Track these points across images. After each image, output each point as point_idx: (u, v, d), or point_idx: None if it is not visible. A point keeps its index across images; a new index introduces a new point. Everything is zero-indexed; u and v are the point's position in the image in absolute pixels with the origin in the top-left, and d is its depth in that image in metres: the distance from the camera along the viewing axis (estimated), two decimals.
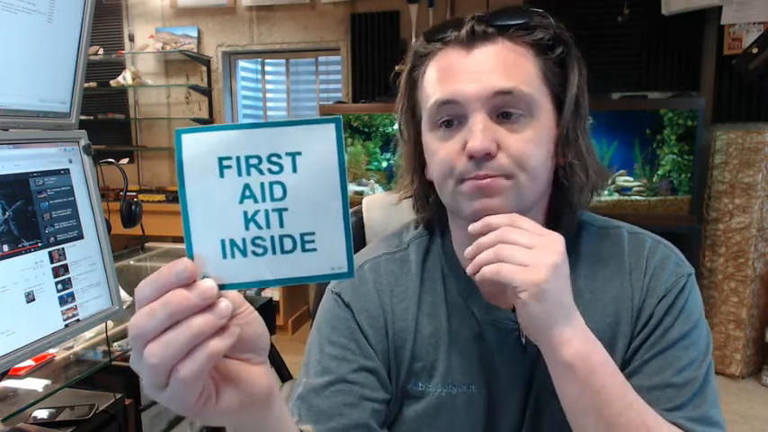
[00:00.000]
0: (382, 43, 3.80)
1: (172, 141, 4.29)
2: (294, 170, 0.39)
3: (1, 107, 0.91)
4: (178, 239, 3.55)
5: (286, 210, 0.40)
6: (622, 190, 3.16)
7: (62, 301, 0.97)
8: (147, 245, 2.56)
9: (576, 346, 0.58)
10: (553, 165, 0.67)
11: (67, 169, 1.02)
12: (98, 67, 4.13)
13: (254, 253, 0.39)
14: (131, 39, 4.24)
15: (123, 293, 1.39)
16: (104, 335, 1.28)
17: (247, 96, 4.37)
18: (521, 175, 0.62)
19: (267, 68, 4.35)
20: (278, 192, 0.39)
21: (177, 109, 4.28)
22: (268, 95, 4.38)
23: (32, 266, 0.92)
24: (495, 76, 0.61)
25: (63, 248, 0.98)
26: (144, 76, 4.19)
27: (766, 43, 2.97)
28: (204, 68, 4.17)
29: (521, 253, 0.57)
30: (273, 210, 0.40)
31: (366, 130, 3.50)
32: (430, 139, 0.67)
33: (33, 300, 0.92)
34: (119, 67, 4.18)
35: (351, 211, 1.03)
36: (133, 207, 1.82)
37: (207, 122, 4.17)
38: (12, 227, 0.90)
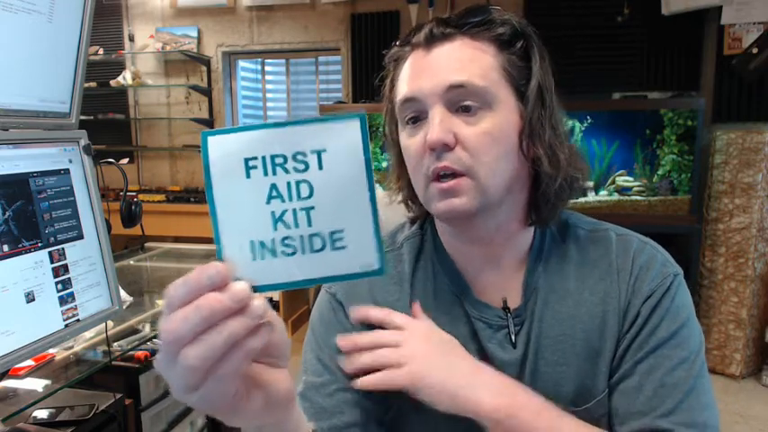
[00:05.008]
0: (382, 43, 3.79)
1: (172, 141, 4.28)
2: (320, 168, 0.39)
3: (1, 107, 0.91)
4: (178, 239, 3.55)
5: (313, 208, 0.39)
6: (622, 190, 3.16)
7: (62, 301, 0.97)
8: (147, 245, 2.56)
9: (487, 404, 0.62)
10: (521, 158, 0.67)
11: (67, 169, 1.02)
12: (98, 67, 4.13)
13: (284, 253, 0.39)
14: (131, 39, 4.25)
15: (123, 293, 1.39)
16: (104, 335, 1.28)
17: (247, 96, 4.37)
18: (480, 170, 0.63)
19: (267, 68, 4.35)
20: (305, 190, 0.39)
21: (177, 109, 4.28)
22: (268, 95, 4.38)
23: (32, 266, 0.92)
24: (449, 71, 0.64)
25: (63, 248, 0.98)
26: (144, 76, 4.19)
27: (766, 43, 2.96)
28: (204, 68, 4.17)
29: (394, 354, 0.65)
30: (301, 209, 0.39)
31: None
32: (402, 137, 0.70)
33: (33, 300, 0.92)
34: (119, 67, 4.19)
35: None
36: (133, 207, 1.82)
37: (207, 122, 4.17)
38: (12, 227, 0.90)
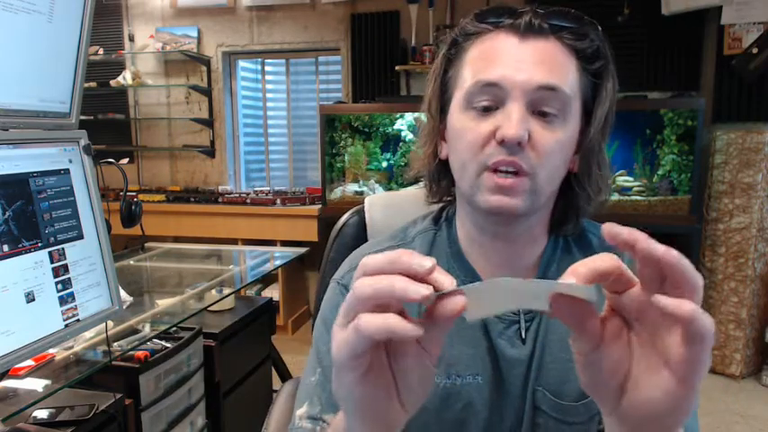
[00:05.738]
0: (382, 43, 3.80)
1: (172, 141, 4.27)
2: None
3: (1, 107, 0.91)
4: (178, 239, 3.55)
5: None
6: (622, 190, 3.16)
7: (62, 301, 0.97)
8: (147, 245, 2.56)
9: None
10: (566, 171, 0.68)
11: (67, 169, 1.02)
12: (98, 67, 4.13)
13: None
14: (131, 39, 4.24)
15: (123, 293, 1.39)
16: (104, 335, 1.28)
17: (247, 96, 4.36)
18: (541, 175, 0.62)
19: (267, 68, 4.34)
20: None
21: (177, 109, 4.28)
22: (268, 95, 4.38)
23: (32, 266, 0.92)
24: (542, 70, 0.62)
25: (63, 248, 0.98)
26: (144, 76, 4.19)
27: (766, 43, 2.97)
28: (204, 68, 4.17)
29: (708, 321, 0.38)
30: None
31: (366, 130, 3.49)
32: (459, 119, 0.67)
33: (33, 300, 0.92)
34: (119, 67, 4.18)
35: (353, 210, 1.03)
36: (133, 207, 1.83)
37: (207, 122, 4.18)
38: (12, 227, 0.89)
